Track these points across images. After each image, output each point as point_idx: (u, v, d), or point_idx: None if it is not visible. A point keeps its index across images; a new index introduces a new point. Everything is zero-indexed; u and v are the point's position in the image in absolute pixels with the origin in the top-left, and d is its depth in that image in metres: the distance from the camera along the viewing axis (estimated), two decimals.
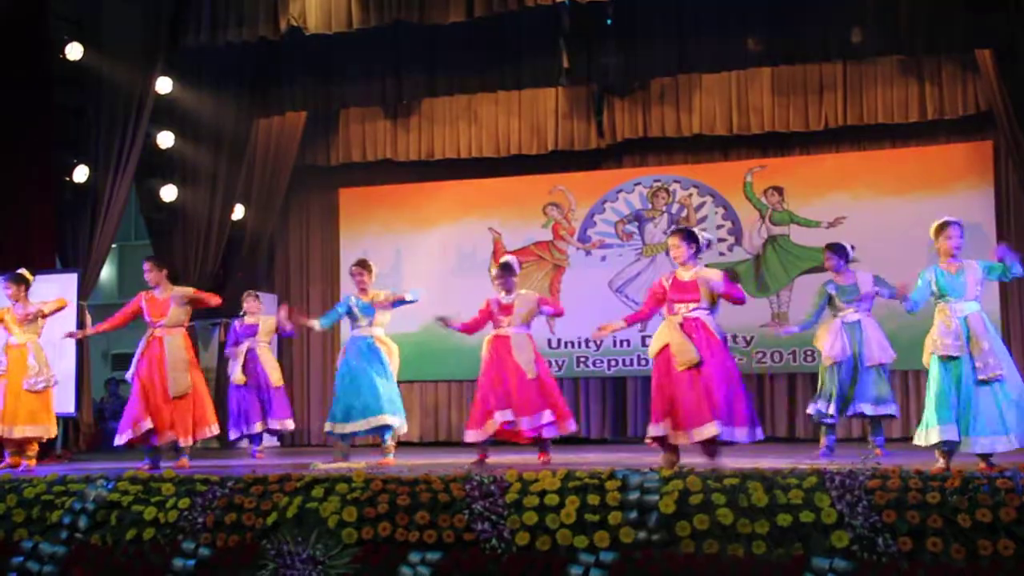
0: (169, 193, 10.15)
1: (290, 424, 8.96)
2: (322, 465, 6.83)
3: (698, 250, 6.20)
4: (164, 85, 9.77)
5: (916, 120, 9.62)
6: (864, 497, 4.39)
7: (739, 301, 6.15)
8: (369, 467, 6.58)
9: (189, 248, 10.18)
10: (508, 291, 7.34)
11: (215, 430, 7.50)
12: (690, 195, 10.41)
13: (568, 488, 4.71)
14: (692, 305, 6.02)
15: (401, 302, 7.65)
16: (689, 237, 6.18)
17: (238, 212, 10.62)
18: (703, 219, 10.32)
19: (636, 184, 10.60)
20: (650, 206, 10.52)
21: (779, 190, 10.18)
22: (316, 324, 7.83)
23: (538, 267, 10.72)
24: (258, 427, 8.72)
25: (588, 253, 10.64)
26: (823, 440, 7.34)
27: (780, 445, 8.95)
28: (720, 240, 10.24)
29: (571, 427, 7.23)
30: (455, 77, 9.77)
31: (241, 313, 8.99)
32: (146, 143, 9.69)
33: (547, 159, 10.65)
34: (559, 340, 10.53)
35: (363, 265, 7.72)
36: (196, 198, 10.19)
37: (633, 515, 4.57)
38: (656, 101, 10.22)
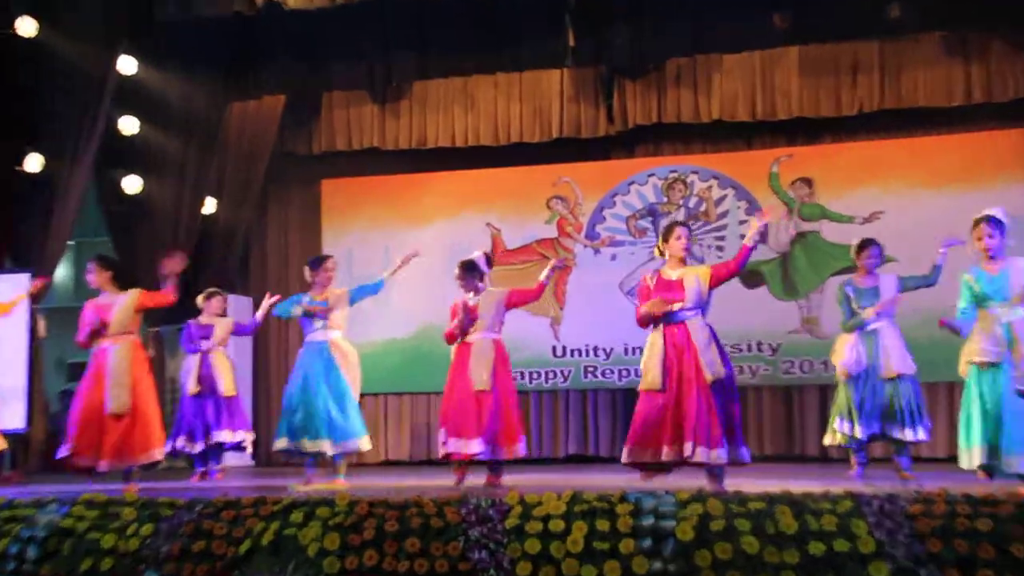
0: (132, 185, 10.11)
1: (243, 436, 8.83)
2: (302, 487, 6.77)
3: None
4: (128, 65, 9.72)
5: (961, 104, 9.60)
6: (906, 523, 4.33)
7: (739, 267, 6.19)
8: (303, 490, 6.48)
9: (155, 246, 10.07)
10: (475, 292, 7.31)
11: (159, 455, 7.21)
12: (709, 187, 10.38)
13: (575, 512, 4.66)
14: (676, 306, 6.01)
15: (361, 290, 7.61)
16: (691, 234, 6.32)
17: (209, 206, 10.59)
18: (724, 214, 10.30)
19: (650, 175, 10.57)
20: (665, 199, 10.48)
21: (808, 182, 10.14)
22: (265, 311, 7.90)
23: (541, 267, 10.62)
24: (205, 443, 8.63)
25: (597, 252, 10.60)
26: (854, 460, 7.26)
27: (811, 465, 8.90)
28: (743, 237, 10.17)
29: (519, 452, 7.11)
30: (450, 57, 9.74)
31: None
32: (107, 129, 9.65)
33: (551, 148, 10.62)
34: (564, 347, 10.49)
35: (333, 261, 7.72)
36: (162, 190, 10.15)
37: (647, 543, 4.51)
38: (672, 83, 10.19)
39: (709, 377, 5.87)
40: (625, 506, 4.65)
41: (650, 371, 6.01)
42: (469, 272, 7.31)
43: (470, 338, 7.20)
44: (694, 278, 6.07)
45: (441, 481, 7.25)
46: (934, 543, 4.28)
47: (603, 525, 4.58)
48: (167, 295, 7.33)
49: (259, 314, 8.24)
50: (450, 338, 7.33)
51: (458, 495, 4.94)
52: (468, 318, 7.17)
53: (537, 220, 10.75)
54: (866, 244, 7.46)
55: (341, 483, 7.23)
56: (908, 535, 4.31)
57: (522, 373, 10.47)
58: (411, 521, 4.77)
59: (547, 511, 4.69)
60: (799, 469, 8.27)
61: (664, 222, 10.37)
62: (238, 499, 5.16)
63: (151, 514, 5.14)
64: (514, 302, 7.35)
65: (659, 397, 5.95)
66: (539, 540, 4.60)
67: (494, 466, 7.13)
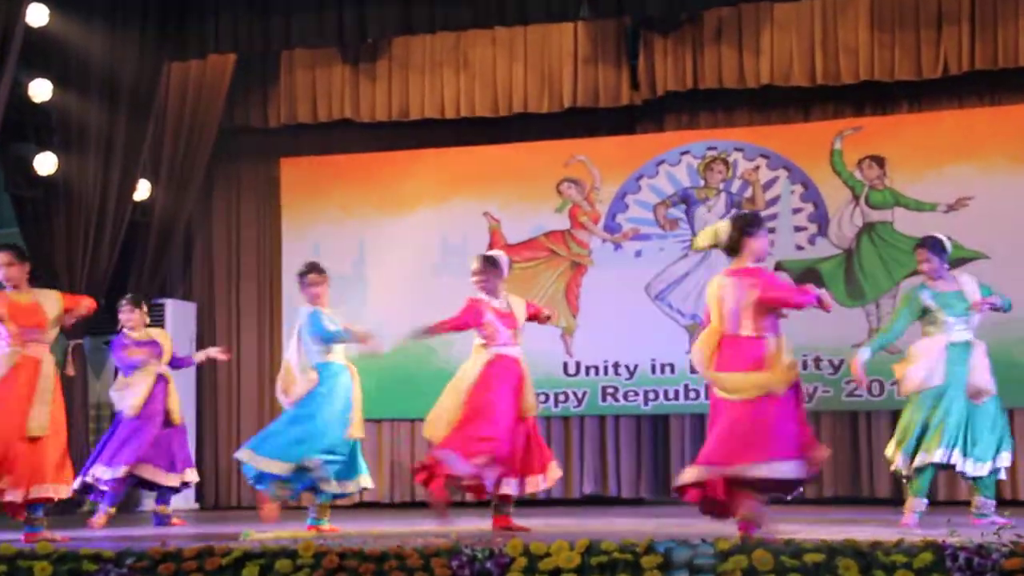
0: (46, 164, 10.09)
1: (179, 478, 8.79)
2: (256, 534, 6.80)
3: None
4: (38, 15, 9.69)
5: None
6: None
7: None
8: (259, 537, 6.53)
9: (74, 238, 10.13)
10: (495, 295, 7.42)
11: (65, 492, 7.22)
12: (757, 168, 10.38)
13: (591, 566, 4.67)
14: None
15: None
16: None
17: (143, 190, 10.61)
18: (774, 200, 10.29)
19: (683, 153, 10.57)
20: (702, 183, 10.48)
21: (879, 161, 10.14)
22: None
23: (550, 265, 10.68)
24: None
25: (618, 247, 10.61)
26: (910, 503, 7.25)
27: (883, 509, 8.88)
28: (799, 229, 10.21)
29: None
30: (438, 7, 9.74)
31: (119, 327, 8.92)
32: (13, 94, 9.60)
33: (562, 120, 10.66)
34: (578, 364, 10.49)
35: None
36: (84, 170, 10.15)
37: None
38: (711, 40, 10.20)
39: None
40: (652, 558, 4.66)
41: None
42: (488, 268, 7.41)
43: (513, 351, 7.34)
44: None
45: (427, 526, 7.25)
46: None
47: None
48: (86, 300, 7.52)
49: (199, 356, 8.46)
50: (454, 326, 7.40)
51: (448, 544, 4.95)
52: (498, 328, 7.30)
53: (545, 208, 10.75)
54: (920, 244, 7.46)
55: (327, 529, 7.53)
56: None
57: None
58: None
59: (557, 563, 4.71)
60: (867, 514, 8.26)
61: (700, 211, 10.40)
62: (179, 550, 5.17)
63: (70, 570, 5.15)
64: (532, 314, 7.55)
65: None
66: None
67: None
